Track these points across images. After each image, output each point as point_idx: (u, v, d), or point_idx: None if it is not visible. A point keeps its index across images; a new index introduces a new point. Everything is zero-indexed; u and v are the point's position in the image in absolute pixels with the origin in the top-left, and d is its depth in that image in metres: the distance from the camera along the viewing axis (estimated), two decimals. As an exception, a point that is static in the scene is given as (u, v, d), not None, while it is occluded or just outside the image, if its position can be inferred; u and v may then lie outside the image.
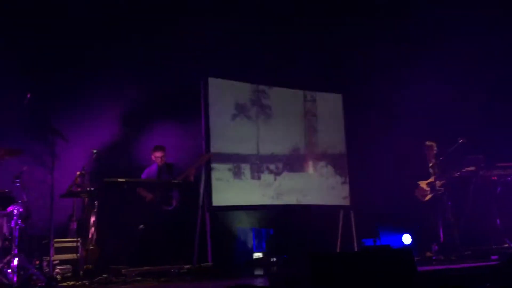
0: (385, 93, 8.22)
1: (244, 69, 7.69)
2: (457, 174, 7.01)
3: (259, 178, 7.52)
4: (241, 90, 7.63)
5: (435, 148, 7.35)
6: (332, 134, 8.20)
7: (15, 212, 4.75)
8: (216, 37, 7.33)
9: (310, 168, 7.94)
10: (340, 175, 8.12)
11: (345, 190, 8.09)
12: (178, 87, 7.16)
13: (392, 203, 7.79)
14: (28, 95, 5.15)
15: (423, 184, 7.31)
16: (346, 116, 8.31)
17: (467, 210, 6.99)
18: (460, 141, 7.02)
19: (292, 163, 7.80)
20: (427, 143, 7.41)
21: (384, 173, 8.05)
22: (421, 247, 7.44)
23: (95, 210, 6.04)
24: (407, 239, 8.09)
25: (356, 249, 7.67)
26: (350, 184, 8.11)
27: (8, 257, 4.63)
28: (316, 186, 7.91)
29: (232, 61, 7.56)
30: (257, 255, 7.62)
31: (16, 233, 4.71)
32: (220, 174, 7.17)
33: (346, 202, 8.06)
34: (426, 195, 7.25)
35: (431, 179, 7.23)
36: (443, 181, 7.12)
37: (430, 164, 7.34)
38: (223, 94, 7.44)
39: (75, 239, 5.95)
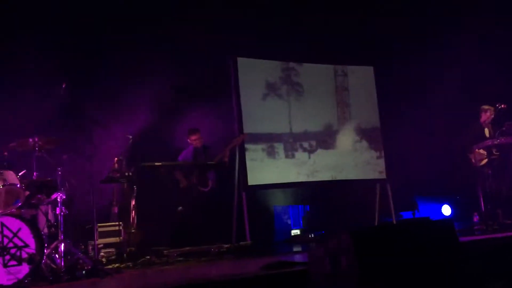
0: (417, 64, 8.03)
1: (273, 47, 7.63)
2: (497, 142, 6.79)
3: (293, 156, 7.50)
4: (271, 69, 7.59)
5: (493, 112, 7.05)
6: (365, 108, 8.08)
7: (58, 200, 4.89)
8: (243, 15, 7.28)
9: (344, 144, 7.85)
10: (375, 150, 8.02)
11: (380, 165, 7.99)
12: (210, 68, 7.17)
13: (429, 175, 7.67)
14: (64, 85, 5.26)
15: (479, 148, 7.00)
16: (378, 89, 8.15)
17: (508, 178, 6.80)
18: (500, 107, 6.79)
19: (326, 139, 7.74)
20: (484, 107, 7.11)
21: (419, 144, 7.92)
22: (461, 218, 7.32)
23: (134, 194, 6.16)
24: (446, 210, 7.98)
25: (395, 223, 7.61)
26: (386, 158, 8.00)
27: (55, 243, 4.79)
28: (351, 162, 7.83)
29: (260, 40, 7.50)
30: (295, 232, 7.68)
31: (61, 220, 4.84)
32: (254, 155, 7.20)
33: (382, 177, 7.96)
34: (482, 159, 6.99)
35: (488, 143, 6.88)
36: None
37: (486, 128, 7.06)
38: (253, 74, 7.42)
39: (117, 223, 6.13)
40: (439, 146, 7.84)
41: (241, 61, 7.32)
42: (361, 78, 8.15)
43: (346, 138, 7.89)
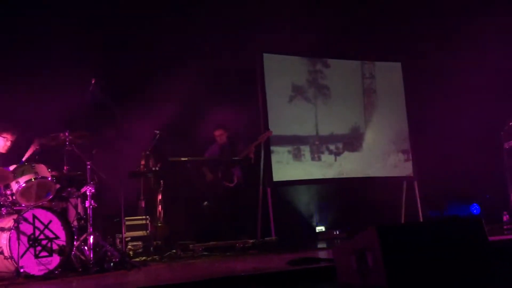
0: (447, 60, 7.88)
1: (299, 43, 7.59)
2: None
3: (319, 159, 7.45)
4: (297, 72, 7.52)
5: None
6: (393, 109, 7.95)
7: (88, 193, 4.99)
8: (271, 11, 7.27)
9: (371, 146, 7.73)
10: (402, 152, 7.88)
11: (408, 168, 7.83)
12: (237, 64, 7.19)
13: (458, 173, 7.54)
14: (93, 81, 5.36)
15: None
16: (406, 86, 8.03)
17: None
18: None
19: (353, 142, 7.65)
20: None
21: (448, 142, 7.78)
22: (490, 217, 7.18)
23: (161, 189, 6.24)
24: (475, 209, 7.84)
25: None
26: (413, 156, 7.86)
27: (84, 235, 4.90)
28: (378, 165, 7.71)
29: (286, 35, 7.48)
30: (320, 228, 7.66)
31: (90, 213, 4.95)
32: (280, 157, 7.17)
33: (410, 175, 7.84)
34: None
35: None
36: None
37: None
38: (279, 73, 7.39)
39: (144, 217, 6.23)
40: (468, 145, 7.69)
41: (267, 57, 7.31)
42: (389, 77, 8.03)
43: (373, 140, 7.76)
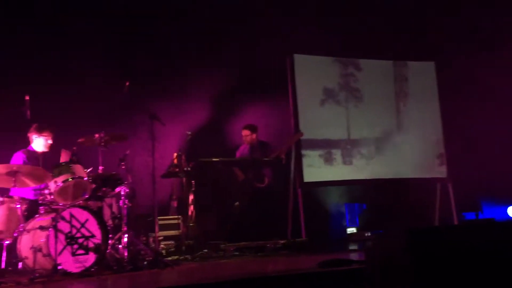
0: (481, 61, 7.71)
1: (330, 44, 7.56)
2: None
3: (351, 163, 7.37)
4: (329, 73, 7.45)
5: None
6: (426, 110, 7.78)
7: (122, 193, 5.11)
8: (302, 11, 7.27)
9: (404, 149, 7.59)
10: (436, 154, 7.71)
11: (442, 170, 7.65)
12: (268, 66, 7.22)
13: (494, 174, 7.36)
14: (127, 83, 5.48)
15: None
16: (440, 85, 7.88)
17: None
18: None
19: (385, 146, 7.53)
20: None
21: (484, 143, 7.60)
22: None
23: (193, 189, 6.31)
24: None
25: (456, 224, 7.36)
26: (448, 159, 7.69)
27: (118, 234, 5.01)
28: (412, 168, 7.57)
29: (317, 36, 7.46)
30: (351, 230, 7.61)
31: (124, 212, 5.06)
32: (311, 161, 7.12)
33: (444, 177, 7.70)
34: None
35: None
36: None
37: None
38: (310, 75, 7.35)
39: (176, 216, 6.32)
40: (504, 145, 7.50)
41: (298, 57, 7.30)
42: (422, 77, 7.88)
43: (406, 143, 7.61)
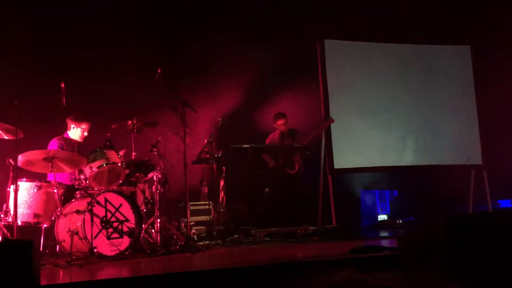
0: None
1: (361, 28, 7.44)
2: None
3: (382, 149, 7.26)
4: (359, 57, 7.36)
5: None
6: (460, 95, 7.61)
7: (155, 178, 5.19)
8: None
9: (438, 134, 7.42)
10: (471, 140, 7.50)
11: (477, 156, 7.46)
12: (298, 52, 7.17)
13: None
14: (159, 70, 5.54)
15: None
16: (475, 69, 7.67)
17: None
18: None
19: (418, 130, 7.39)
20: None
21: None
22: None
23: (223, 175, 6.37)
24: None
25: (491, 211, 7.20)
26: (483, 145, 7.49)
27: (151, 219, 5.11)
28: (445, 153, 7.40)
29: (348, 21, 7.35)
30: (382, 217, 7.55)
31: (156, 197, 5.15)
32: (342, 147, 7.04)
33: (478, 162, 7.51)
34: None
35: None
36: None
37: None
38: (340, 58, 7.26)
39: (207, 202, 6.39)
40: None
41: (328, 43, 7.21)
42: (456, 61, 7.68)
43: (440, 128, 7.44)
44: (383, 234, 6.47)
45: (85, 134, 5.48)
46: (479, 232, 3.11)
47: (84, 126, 5.44)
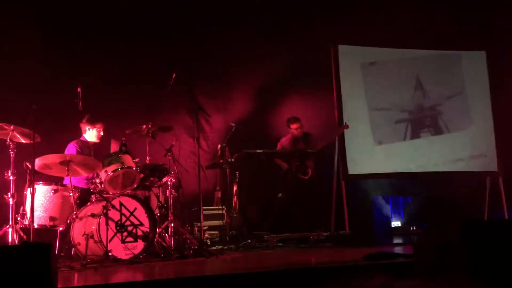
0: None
1: (375, 33, 7.43)
2: None
3: (397, 155, 7.22)
4: (374, 64, 7.35)
5: None
6: (476, 103, 7.55)
7: (169, 183, 5.22)
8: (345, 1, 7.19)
9: (452, 140, 7.34)
10: (486, 146, 7.40)
11: (493, 163, 7.35)
12: (312, 57, 7.17)
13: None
14: (174, 75, 5.58)
15: None
16: (491, 75, 7.60)
17: None
18: None
19: (432, 134, 7.34)
20: None
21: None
22: None
23: (237, 180, 6.38)
24: None
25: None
26: (498, 152, 7.38)
27: (165, 223, 5.13)
28: (460, 160, 7.31)
29: (362, 26, 7.34)
30: (395, 223, 7.50)
31: (170, 202, 5.17)
32: (355, 152, 7.00)
33: (494, 169, 7.42)
34: None
35: None
36: None
37: None
38: (354, 65, 7.24)
39: (221, 207, 6.40)
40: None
41: (342, 48, 7.19)
42: (471, 67, 7.62)
43: (454, 134, 7.33)
44: (397, 240, 6.42)
45: (101, 133, 5.55)
46: (498, 238, 3.08)
47: (98, 126, 5.53)
